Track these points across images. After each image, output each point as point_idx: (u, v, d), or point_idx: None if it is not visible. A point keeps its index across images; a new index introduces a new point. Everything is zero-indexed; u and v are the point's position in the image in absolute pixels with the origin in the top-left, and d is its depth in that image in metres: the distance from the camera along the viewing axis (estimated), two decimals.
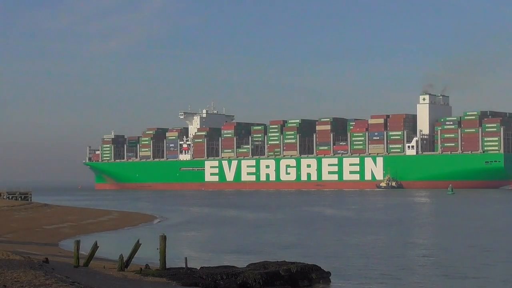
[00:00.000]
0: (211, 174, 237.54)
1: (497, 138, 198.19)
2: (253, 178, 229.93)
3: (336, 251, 46.89)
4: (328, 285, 32.74)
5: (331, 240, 55.26)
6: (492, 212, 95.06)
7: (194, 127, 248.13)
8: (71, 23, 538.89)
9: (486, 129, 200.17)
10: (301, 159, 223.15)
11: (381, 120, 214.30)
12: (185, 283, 30.23)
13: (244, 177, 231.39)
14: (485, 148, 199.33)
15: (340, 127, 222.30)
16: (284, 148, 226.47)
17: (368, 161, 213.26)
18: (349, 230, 63.75)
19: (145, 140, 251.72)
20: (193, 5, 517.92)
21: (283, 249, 47.72)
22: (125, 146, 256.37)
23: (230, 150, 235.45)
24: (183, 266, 33.76)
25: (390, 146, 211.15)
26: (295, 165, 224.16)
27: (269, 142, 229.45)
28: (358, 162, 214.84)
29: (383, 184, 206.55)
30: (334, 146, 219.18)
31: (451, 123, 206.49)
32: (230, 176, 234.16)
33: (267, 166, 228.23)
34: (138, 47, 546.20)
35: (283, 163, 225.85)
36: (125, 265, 33.39)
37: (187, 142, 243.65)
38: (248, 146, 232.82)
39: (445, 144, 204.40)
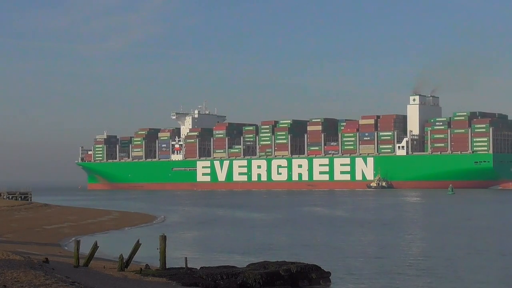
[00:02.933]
0: (203, 174, 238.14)
1: (486, 139, 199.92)
2: (244, 178, 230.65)
3: (335, 251, 47.21)
4: (328, 285, 33.06)
5: (330, 240, 55.60)
6: (493, 211, 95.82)
7: (186, 127, 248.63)
8: (71, 23, 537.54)
9: (476, 130, 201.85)
10: (293, 159, 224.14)
11: (372, 121, 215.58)
12: (185, 283, 30.36)
13: (236, 177, 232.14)
14: (474, 149, 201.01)
15: (331, 128, 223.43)
16: (276, 148, 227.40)
17: (359, 161, 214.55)
18: (347, 230, 64.28)
19: (137, 141, 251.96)
20: (190, 6, 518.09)
21: (283, 249, 47.96)
22: (117, 146, 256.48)
23: (222, 151, 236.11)
24: (183, 266, 34.11)
25: (381, 146, 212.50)
26: (286, 165, 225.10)
27: (261, 143, 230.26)
28: (349, 162, 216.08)
29: (373, 184, 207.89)
30: (325, 147, 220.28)
31: (441, 123, 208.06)
32: (222, 176, 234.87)
33: (259, 166, 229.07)
34: (131, 47, 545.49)
35: (275, 163, 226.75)
36: (125, 265, 33.86)
37: (179, 143, 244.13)
38: (240, 147, 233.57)
39: (435, 145, 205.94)
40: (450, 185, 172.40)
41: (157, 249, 34.19)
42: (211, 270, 32.94)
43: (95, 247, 34.37)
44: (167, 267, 33.81)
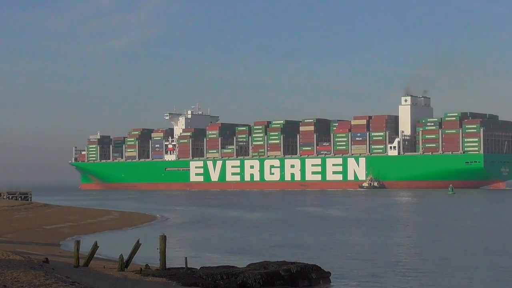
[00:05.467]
0: (196, 174, 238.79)
1: (477, 139, 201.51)
2: (237, 178, 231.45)
3: (335, 251, 47.37)
4: (328, 285, 33.24)
5: (330, 240, 55.86)
6: (494, 211, 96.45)
7: (179, 127, 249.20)
8: (69, 23, 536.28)
9: (466, 130, 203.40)
10: (285, 160, 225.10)
11: (364, 121, 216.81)
12: (185, 283, 30.33)
13: (229, 177, 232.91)
14: (465, 149, 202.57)
15: (323, 128, 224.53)
16: (268, 148, 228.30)
17: (351, 161, 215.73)
18: (345, 230, 64.66)
19: (131, 141, 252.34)
20: (186, 7, 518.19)
21: (283, 249, 48.14)
22: (110, 146, 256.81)
23: (215, 151, 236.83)
24: (183, 266, 34.00)
25: (372, 146, 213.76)
26: (279, 165, 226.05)
27: (254, 143, 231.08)
28: (341, 163, 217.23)
29: (365, 184, 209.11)
30: (317, 147, 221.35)
31: (432, 124, 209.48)
32: (215, 176, 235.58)
33: (252, 167, 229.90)
34: (125, 48, 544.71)
35: (267, 163, 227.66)
36: (125, 265, 33.66)
37: (172, 143, 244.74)
38: (233, 147, 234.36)
39: (426, 145, 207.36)
40: (450, 185, 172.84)
41: (157, 249, 34.25)
42: (211, 270, 32.99)
43: (95, 247, 34.47)
44: (167, 267, 33.82)
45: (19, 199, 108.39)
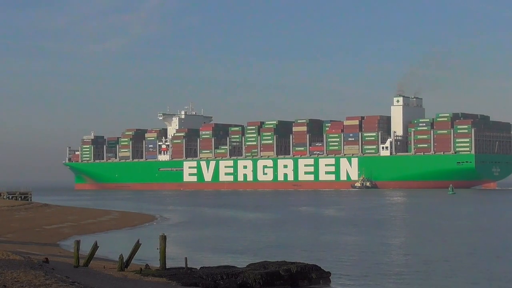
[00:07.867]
0: (190, 174, 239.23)
1: (468, 140, 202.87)
2: (231, 178, 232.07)
3: (334, 251, 47.66)
4: (328, 285, 33.45)
5: (328, 239, 56.31)
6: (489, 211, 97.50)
7: (173, 128, 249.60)
8: (66, 23, 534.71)
9: (458, 131, 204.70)
10: (278, 160, 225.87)
11: (356, 122, 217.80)
12: (185, 283, 30.50)
13: (222, 178, 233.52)
14: (456, 149, 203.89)
15: (316, 128, 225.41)
16: (261, 149, 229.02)
17: (343, 161, 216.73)
18: (344, 230, 65.13)
19: (125, 141, 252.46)
20: (183, 8, 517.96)
21: (283, 249, 48.38)
22: (104, 146, 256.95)
23: (208, 151, 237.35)
24: (183, 266, 34.37)
25: (365, 147, 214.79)
26: (272, 165, 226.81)
27: (247, 143, 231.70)
28: (334, 163, 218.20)
29: (357, 184, 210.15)
30: (310, 147, 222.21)
31: (424, 124, 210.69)
32: (208, 176, 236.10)
33: (245, 167, 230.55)
34: (121, 48, 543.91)
35: (260, 163, 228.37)
36: (125, 265, 33.95)
37: (166, 143, 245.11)
38: (226, 147, 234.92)
39: (418, 145, 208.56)
40: (451, 185, 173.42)
41: (157, 249, 34.52)
42: (211, 270, 33.25)
43: (95, 247, 34.72)
44: (167, 267, 34.12)
45: (19, 199, 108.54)
